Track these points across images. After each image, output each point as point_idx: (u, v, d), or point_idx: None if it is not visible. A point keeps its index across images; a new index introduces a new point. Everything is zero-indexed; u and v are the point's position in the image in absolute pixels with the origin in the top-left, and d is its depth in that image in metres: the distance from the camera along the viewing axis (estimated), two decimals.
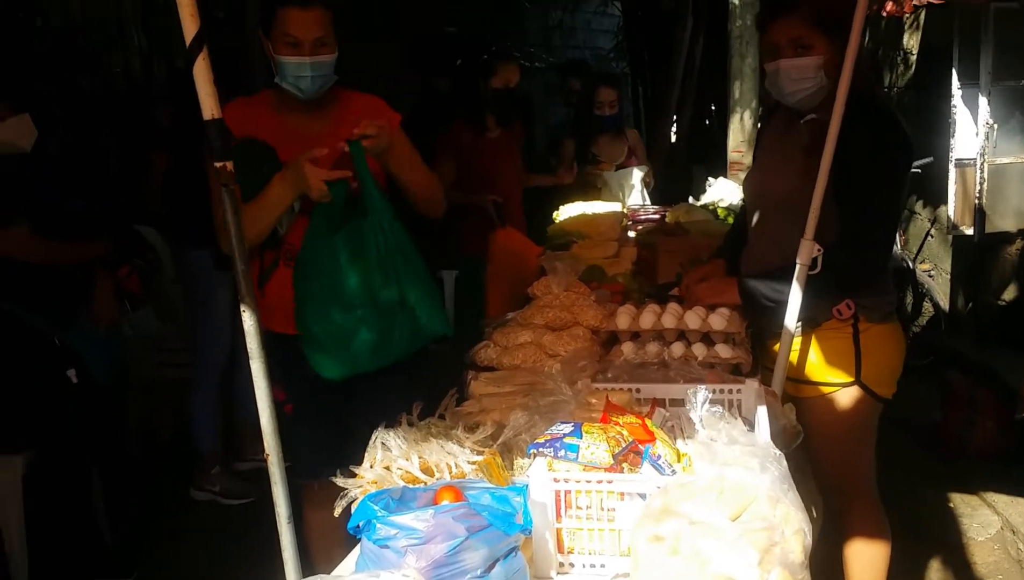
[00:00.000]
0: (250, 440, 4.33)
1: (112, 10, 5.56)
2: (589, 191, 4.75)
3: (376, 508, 1.50)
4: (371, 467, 1.75)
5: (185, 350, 4.46)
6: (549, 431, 1.68)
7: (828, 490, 2.62)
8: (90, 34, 5.60)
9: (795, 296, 2.36)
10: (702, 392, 1.71)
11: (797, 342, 2.48)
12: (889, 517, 2.62)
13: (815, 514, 2.51)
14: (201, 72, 1.59)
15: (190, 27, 1.57)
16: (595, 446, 1.59)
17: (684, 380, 2.15)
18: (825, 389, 2.48)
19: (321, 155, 2.42)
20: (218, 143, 1.63)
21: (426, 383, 2.46)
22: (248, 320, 1.71)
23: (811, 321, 2.45)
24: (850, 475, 2.58)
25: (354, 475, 1.74)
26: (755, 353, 2.55)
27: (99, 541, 3.52)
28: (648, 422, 1.73)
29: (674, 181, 6.93)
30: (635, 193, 4.80)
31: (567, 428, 1.66)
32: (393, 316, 2.51)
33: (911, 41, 6.06)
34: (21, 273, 3.07)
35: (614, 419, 1.71)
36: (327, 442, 2.64)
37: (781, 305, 2.39)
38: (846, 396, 2.47)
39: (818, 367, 2.48)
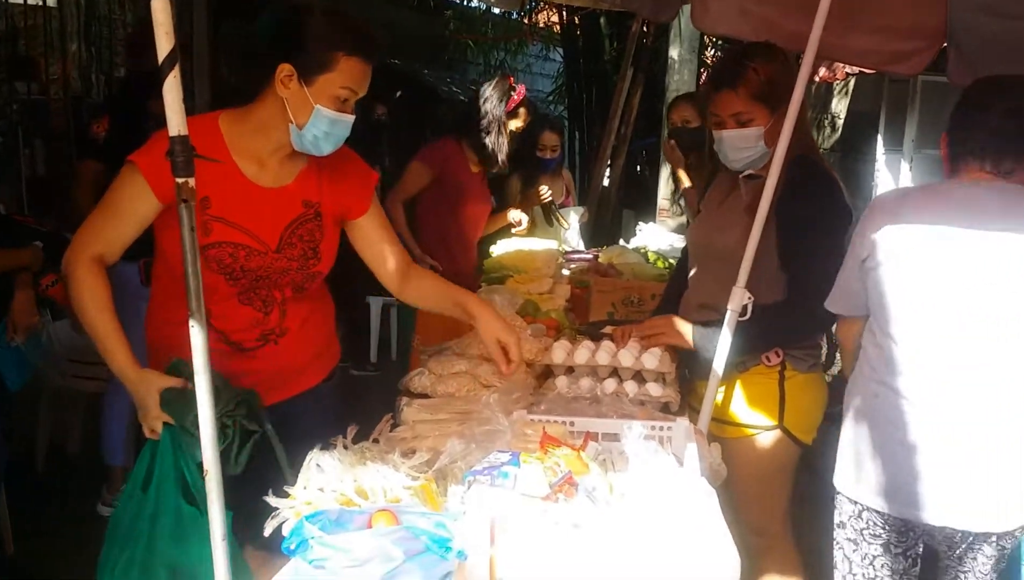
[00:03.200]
0: None
1: (53, 18, 5.45)
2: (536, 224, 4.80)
3: (313, 528, 1.50)
4: (304, 488, 1.74)
5: (100, 363, 4.33)
6: (487, 459, 1.70)
7: (747, 531, 2.68)
8: (30, 40, 5.49)
9: (724, 341, 2.44)
10: (637, 427, 1.76)
11: (724, 385, 2.56)
12: (806, 560, 2.69)
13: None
14: (171, 90, 1.59)
15: (164, 45, 1.55)
16: (532, 475, 1.62)
17: (616, 415, 2.20)
18: (748, 431, 2.57)
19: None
20: (181, 159, 1.63)
21: (357, 407, 2.43)
22: (196, 336, 1.68)
23: (740, 365, 2.54)
24: (767, 517, 2.65)
25: (287, 495, 1.72)
26: (682, 392, 2.62)
27: (1, 553, 3.38)
28: (582, 454, 1.77)
29: (605, 224, 7.06)
30: (573, 232, 4.88)
31: (505, 457, 1.68)
32: None
33: (839, 106, 6.35)
34: None
35: (551, 450, 1.74)
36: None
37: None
38: (768, 439, 2.57)
39: (743, 410, 2.57)
